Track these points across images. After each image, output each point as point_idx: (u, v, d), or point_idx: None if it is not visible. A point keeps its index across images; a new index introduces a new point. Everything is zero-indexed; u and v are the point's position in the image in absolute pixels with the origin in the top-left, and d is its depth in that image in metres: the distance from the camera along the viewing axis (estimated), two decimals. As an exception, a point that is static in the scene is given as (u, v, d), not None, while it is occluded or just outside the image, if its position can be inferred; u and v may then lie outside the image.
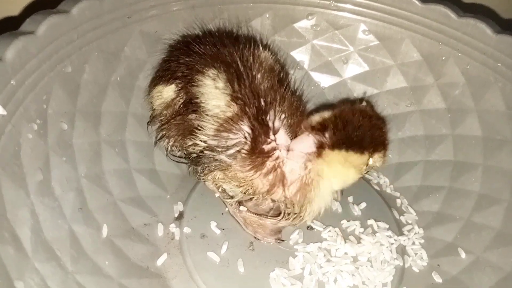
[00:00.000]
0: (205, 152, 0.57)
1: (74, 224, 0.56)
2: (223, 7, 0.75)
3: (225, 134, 0.55)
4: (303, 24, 0.82)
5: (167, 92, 0.62)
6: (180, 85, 0.61)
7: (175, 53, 0.66)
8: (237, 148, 0.55)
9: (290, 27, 0.82)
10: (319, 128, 0.57)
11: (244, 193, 0.60)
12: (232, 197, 0.69)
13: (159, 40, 0.71)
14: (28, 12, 0.55)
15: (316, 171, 0.57)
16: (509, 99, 0.69)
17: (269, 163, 0.56)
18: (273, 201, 0.62)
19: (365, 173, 0.60)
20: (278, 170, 0.56)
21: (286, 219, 0.62)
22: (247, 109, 0.55)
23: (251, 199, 0.63)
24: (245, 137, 0.55)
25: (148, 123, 0.70)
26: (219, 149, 0.56)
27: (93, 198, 0.60)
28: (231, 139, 0.55)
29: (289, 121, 0.57)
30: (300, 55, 0.84)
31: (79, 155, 0.60)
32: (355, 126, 0.55)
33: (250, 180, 0.57)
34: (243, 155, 0.55)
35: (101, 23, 0.62)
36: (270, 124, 0.56)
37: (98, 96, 0.64)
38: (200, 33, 0.70)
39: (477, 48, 0.71)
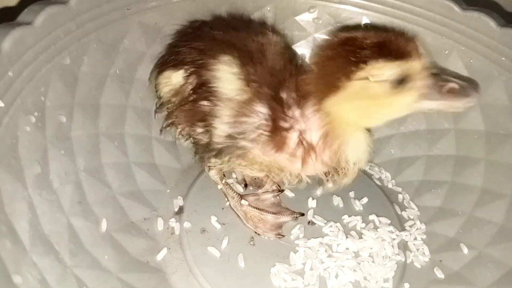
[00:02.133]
0: (225, 141, 0.56)
1: (73, 217, 0.55)
2: (223, -2, 0.74)
3: (244, 119, 0.54)
4: (304, 17, 0.81)
5: (176, 78, 0.60)
6: (189, 71, 0.59)
7: (184, 38, 0.65)
8: (258, 131, 0.54)
9: (292, 20, 0.81)
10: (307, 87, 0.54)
11: (273, 176, 0.59)
12: (234, 190, 0.69)
13: (159, 32, 0.70)
14: (25, 2, 0.54)
15: (330, 121, 0.53)
16: (513, 93, 0.68)
17: (293, 139, 0.54)
18: (308, 177, 0.60)
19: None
20: (304, 143, 0.55)
21: (332, 184, 0.60)
22: (262, 91, 0.54)
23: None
24: (265, 119, 0.54)
25: (155, 111, 0.68)
26: (240, 136, 0.54)
27: (92, 191, 0.60)
28: (249, 123, 0.54)
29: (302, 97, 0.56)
30: (302, 48, 0.83)
31: (78, 148, 0.59)
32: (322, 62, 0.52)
33: (276, 162, 0.56)
34: (265, 138, 0.54)
35: (100, 14, 0.61)
36: (286, 101, 0.54)
37: (97, 88, 0.64)
38: (212, 17, 0.69)
39: (481, 42, 0.70)
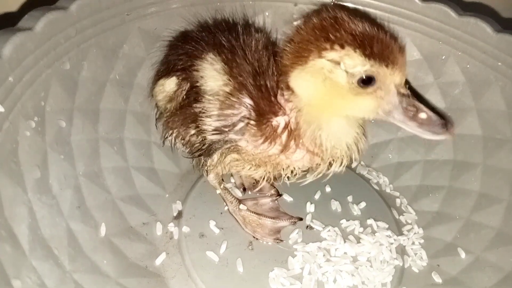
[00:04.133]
0: (214, 136, 0.56)
1: (72, 222, 0.55)
2: (222, 4, 0.75)
3: (228, 112, 0.55)
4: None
5: (169, 84, 0.62)
6: (181, 77, 0.60)
7: (173, 46, 0.66)
8: (244, 122, 0.54)
9: (290, 26, 0.82)
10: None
11: (269, 173, 0.59)
12: (232, 195, 0.69)
13: (158, 38, 0.70)
14: (26, 8, 0.54)
15: (294, 107, 0.53)
16: (509, 98, 0.68)
17: (281, 126, 0.54)
18: (305, 170, 0.59)
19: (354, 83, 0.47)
20: (289, 127, 0.54)
21: (320, 171, 0.57)
22: (246, 83, 0.54)
23: (276, 178, 0.61)
24: (250, 109, 0.54)
25: (156, 120, 0.69)
26: (227, 129, 0.55)
27: (91, 196, 0.60)
28: (235, 115, 0.55)
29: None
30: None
31: (77, 153, 0.60)
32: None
33: (269, 155, 0.56)
34: (252, 128, 0.54)
35: (100, 19, 0.62)
36: (271, 89, 0.54)
37: (97, 93, 0.64)
38: (197, 23, 0.70)
39: (477, 47, 0.70)
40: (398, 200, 0.77)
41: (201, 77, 0.57)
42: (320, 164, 0.56)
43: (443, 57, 0.74)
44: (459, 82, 0.74)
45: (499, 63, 0.69)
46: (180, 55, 0.61)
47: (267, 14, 0.80)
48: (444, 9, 0.71)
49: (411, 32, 0.76)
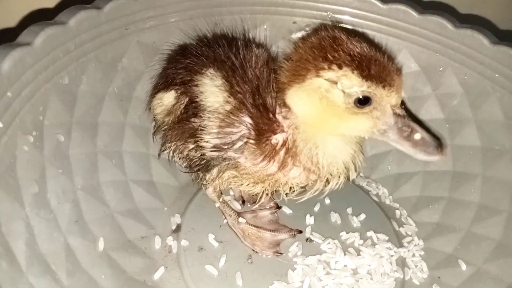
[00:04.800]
0: (212, 153, 0.56)
1: (70, 236, 0.55)
2: (221, 18, 0.75)
3: (228, 130, 0.55)
4: (301, 36, 0.82)
5: (168, 98, 0.62)
6: (179, 91, 0.61)
7: (172, 59, 0.67)
8: (243, 141, 0.54)
9: (288, 39, 0.82)
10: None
11: (268, 189, 0.59)
12: (232, 208, 0.69)
13: (157, 51, 0.71)
14: (25, 23, 0.54)
15: (291, 125, 0.53)
16: (507, 109, 0.69)
17: (280, 143, 0.54)
18: (303, 187, 0.59)
19: (351, 102, 0.48)
20: (287, 144, 0.54)
21: (317, 189, 0.57)
22: (246, 101, 0.54)
23: (274, 192, 0.61)
24: (248, 128, 0.54)
25: (153, 134, 0.69)
26: (226, 147, 0.55)
27: (89, 210, 0.60)
28: (235, 133, 0.55)
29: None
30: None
31: (76, 167, 0.59)
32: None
33: (268, 172, 0.56)
34: (251, 147, 0.54)
35: (99, 34, 0.62)
36: (270, 107, 0.54)
37: (95, 107, 0.64)
38: (197, 37, 0.70)
39: (475, 59, 0.71)
40: (398, 212, 0.76)
41: (201, 92, 0.58)
42: (317, 181, 0.56)
43: (440, 69, 0.75)
44: (457, 93, 0.74)
45: (497, 74, 0.69)
46: (179, 69, 0.61)
47: (265, 27, 0.80)
48: (441, 21, 0.72)
49: (408, 44, 0.76)
